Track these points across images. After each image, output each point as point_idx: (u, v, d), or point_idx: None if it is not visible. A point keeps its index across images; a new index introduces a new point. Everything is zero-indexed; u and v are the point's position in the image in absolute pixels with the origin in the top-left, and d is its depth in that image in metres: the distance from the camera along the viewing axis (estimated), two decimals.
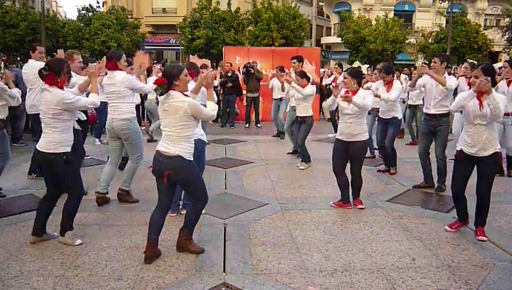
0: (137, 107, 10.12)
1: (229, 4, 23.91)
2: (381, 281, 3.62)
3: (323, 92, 13.72)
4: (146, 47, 30.03)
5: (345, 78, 5.44)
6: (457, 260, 4.03)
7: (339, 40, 28.25)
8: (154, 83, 3.96)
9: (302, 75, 7.53)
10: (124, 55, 5.61)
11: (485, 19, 32.65)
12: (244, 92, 13.35)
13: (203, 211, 5.00)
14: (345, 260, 4.00)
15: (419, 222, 5.03)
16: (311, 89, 7.42)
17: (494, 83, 4.40)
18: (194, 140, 4.05)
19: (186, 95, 3.90)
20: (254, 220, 4.99)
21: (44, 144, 4.13)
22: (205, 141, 5.08)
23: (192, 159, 3.93)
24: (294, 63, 8.37)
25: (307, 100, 7.45)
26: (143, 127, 11.41)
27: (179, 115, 3.78)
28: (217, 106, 4.04)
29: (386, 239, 4.51)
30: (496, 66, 16.42)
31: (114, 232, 4.60)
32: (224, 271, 3.77)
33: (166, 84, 3.83)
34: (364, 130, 5.38)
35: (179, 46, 27.46)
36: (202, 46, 22.97)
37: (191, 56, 25.49)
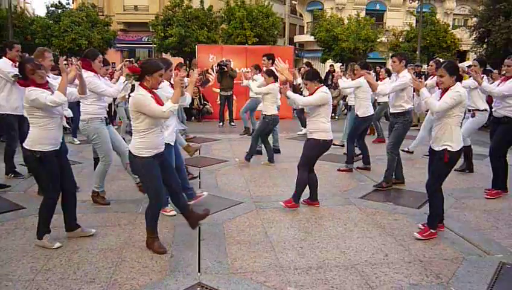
0: (109, 106, 10.01)
1: (201, 2, 23.77)
2: (355, 277, 3.66)
3: (297, 91, 13.79)
4: (118, 45, 29.57)
5: (305, 84, 5.45)
6: (429, 255, 4.11)
7: (312, 38, 28.42)
8: (127, 68, 3.95)
9: (270, 73, 7.55)
10: (101, 56, 5.48)
11: (454, 19, 33.38)
12: (217, 90, 13.31)
13: (173, 212, 5.01)
14: (320, 257, 4.03)
15: (392, 218, 5.11)
16: (267, 88, 7.44)
17: (459, 80, 4.52)
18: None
19: (151, 92, 3.89)
20: (229, 219, 4.98)
21: (26, 140, 4.09)
22: (171, 144, 4.97)
23: (144, 155, 3.91)
24: (264, 60, 8.39)
25: (266, 99, 7.49)
26: (116, 126, 11.26)
27: (131, 109, 3.88)
28: (175, 106, 3.96)
29: (360, 236, 4.56)
30: (464, 64, 16.81)
31: None
32: (199, 271, 3.75)
33: (138, 74, 3.86)
34: (320, 129, 5.25)
35: (151, 44, 27.16)
36: (175, 44, 22.77)
37: (163, 54, 25.24)
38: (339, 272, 3.75)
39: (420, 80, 4.82)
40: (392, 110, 6.34)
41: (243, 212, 5.24)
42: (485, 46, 21.79)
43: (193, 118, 14.25)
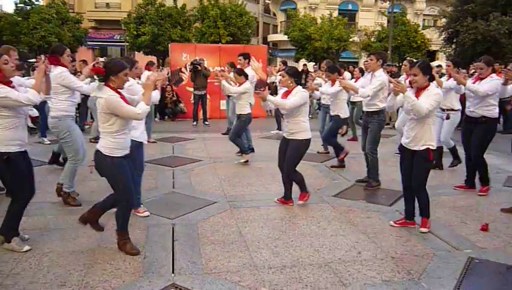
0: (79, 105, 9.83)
1: (175, 0, 23.59)
2: (328, 275, 3.70)
3: (270, 90, 13.84)
4: (89, 43, 29.09)
5: (282, 76, 5.44)
6: (400, 251, 4.19)
7: (285, 37, 28.57)
8: (91, 70, 3.90)
9: (240, 72, 7.56)
10: (68, 50, 5.36)
11: (424, 19, 34.02)
12: (191, 89, 13.23)
13: (146, 213, 4.96)
14: (294, 255, 4.06)
15: (365, 215, 5.18)
16: (243, 87, 7.45)
17: (432, 79, 4.61)
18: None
19: (118, 92, 3.85)
20: (203, 219, 4.96)
21: None
22: (140, 141, 4.91)
23: (115, 155, 3.88)
24: (240, 60, 8.40)
25: (241, 98, 7.49)
26: (87, 126, 11.09)
27: (99, 110, 3.83)
28: (147, 107, 3.95)
29: (333, 234, 4.61)
30: (434, 64, 17.14)
31: (57, 236, 4.42)
32: (173, 272, 3.72)
33: (103, 75, 3.82)
34: (302, 129, 5.29)
35: (123, 42, 26.82)
36: (148, 42, 22.55)
37: (136, 53, 24.95)
38: (313, 270, 3.78)
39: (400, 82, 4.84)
40: (366, 109, 6.38)
41: (217, 212, 5.22)
42: (453, 46, 22.32)
43: (166, 117, 14.14)
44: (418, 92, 4.51)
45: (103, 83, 3.85)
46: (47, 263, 3.82)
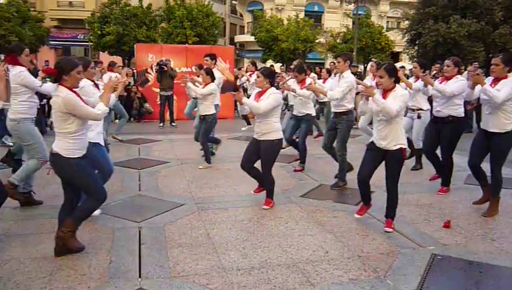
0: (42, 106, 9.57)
1: (140, 0, 23.26)
2: (297, 275, 3.72)
3: (238, 90, 13.84)
4: (51, 42, 28.36)
5: (258, 76, 5.48)
6: (367, 250, 4.25)
7: (252, 38, 28.64)
8: (42, 71, 3.82)
9: (209, 72, 7.52)
10: (27, 49, 5.19)
11: (387, 21, 34.76)
12: (157, 90, 13.09)
13: (98, 212, 4.84)
14: (262, 256, 4.06)
15: (331, 215, 5.24)
16: (209, 89, 7.42)
17: (397, 81, 4.71)
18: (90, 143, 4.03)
19: (74, 92, 3.77)
20: (170, 222, 4.91)
21: None
22: (95, 142, 4.82)
23: (75, 156, 3.81)
24: (207, 60, 8.35)
25: (206, 99, 7.46)
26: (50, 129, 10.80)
27: (55, 110, 3.74)
28: (106, 109, 3.90)
29: (301, 234, 4.64)
30: (397, 65, 17.45)
31: (18, 242, 4.28)
32: (139, 276, 3.66)
33: (54, 75, 3.74)
34: (273, 130, 5.33)
35: (87, 42, 26.24)
36: (112, 42, 22.17)
37: (101, 53, 24.49)
38: (281, 270, 3.79)
39: (371, 86, 4.90)
40: (334, 110, 6.44)
41: (185, 214, 5.17)
42: (416, 47, 22.87)
43: (132, 118, 13.92)
44: (384, 93, 4.60)
45: (56, 84, 3.76)
46: (7, 271, 3.69)
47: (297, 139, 7.61)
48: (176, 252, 4.12)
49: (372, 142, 4.80)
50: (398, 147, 4.60)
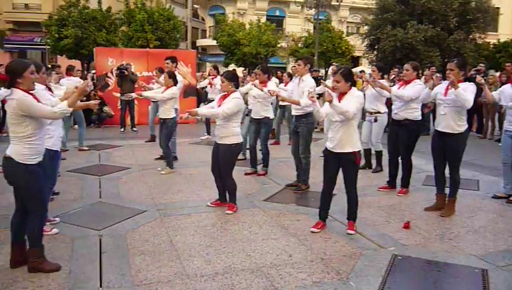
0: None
1: (99, 2, 22.77)
2: (261, 279, 3.72)
3: (201, 95, 13.76)
4: (7, 45, 27.39)
5: (222, 82, 5.47)
6: (329, 253, 4.30)
7: (214, 42, 28.55)
8: None
9: (171, 75, 7.45)
10: None
11: (347, 26, 35.40)
12: (118, 94, 12.84)
13: (55, 230, 4.62)
14: (226, 262, 4.04)
15: (294, 218, 5.27)
16: (169, 93, 7.34)
17: (354, 84, 4.81)
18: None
19: (30, 94, 3.65)
20: (132, 229, 4.81)
21: None
22: (55, 150, 4.69)
23: (30, 162, 3.66)
24: (168, 63, 8.24)
25: (167, 103, 7.39)
26: (5, 134, 10.42)
27: (10, 114, 3.60)
28: (68, 109, 3.75)
29: (265, 238, 4.64)
30: (357, 69, 17.86)
31: None
32: (100, 286, 3.57)
33: (7, 81, 3.61)
34: (231, 134, 5.34)
35: (44, 45, 25.47)
36: (71, 46, 21.58)
37: (58, 56, 23.83)
38: (245, 275, 3.78)
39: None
40: (294, 113, 6.50)
41: (147, 221, 5.09)
42: (375, 52, 23.38)
43: (92, 124, 13.61)
44: (340, 96, 4.67)
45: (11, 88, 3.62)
46: None
47: None
48: (138, 260, 4.04)
49: (326, 148, 4.84)
50: (351, 150, 4.64)
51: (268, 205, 5.78)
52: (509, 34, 34.56)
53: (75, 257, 4.06)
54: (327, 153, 4.83)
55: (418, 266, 4.11)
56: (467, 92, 5.13)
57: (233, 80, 5.43)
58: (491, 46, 28.75)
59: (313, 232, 4.81)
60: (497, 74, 19.12)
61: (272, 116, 7.51)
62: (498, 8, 29.70)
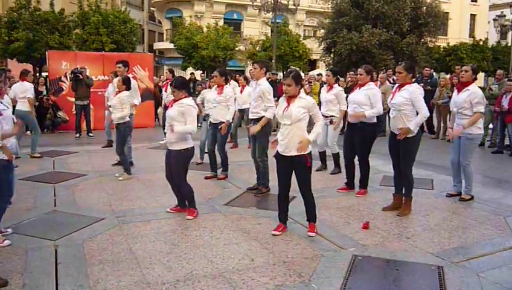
0: None
1: (51, 4, 22.08)
2: (223, 285, 3.68)
3: (159, 99, 13.58)
4: None
5: (173, 91, 5.32)
6: (291, 255, 4.32)
7: (171, 46, 28.28)
8: None
9: (125, 80, 7.31)
10: None
11: (304, 30, 35.92)
12: (72, 99, 12.51)
13: (7, 242, 4.43)
14: (187, 268, 3.98)
15: (256, 222, 5.27)
16: (117, 97, 7.22)
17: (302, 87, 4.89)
18: None
19: None
20: (89, 238, 4.67)
21: None
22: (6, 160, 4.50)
23: None
24: (119, 67, 8.02)
25: (117, 108, 7.24)
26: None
27: None
28: None
29: (226, 243, 4.61)
30: (315, 72, 18.10)
31: None
32: None
33: None
34: (182, 139, 5.27)
35: None
36: (22, 49, 20.81)
37: (9, 60, 22.92)
38: (207, 282, 3.74)
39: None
40: (251, 117, 6.53)
41: (105, 229, 4.95)
42: (332, 55, 23.82)
43: (46, 129, 13.16)
44: (289, 99, 4.72)
45: None
46: None
47: None
48: (97, 270, 3.93)
49: (277, 152, 4.81)
50: (302, 153, 4.65)
51: (229, 209, 5.76)
52: (457, 37, 36.12)
53: (29, 270, 3.90)
54: (279, 157, 4.81)
55: (377, 265, 4.20)
56: (417, 102, 5.36)
57: (183, 87, 5.31)
58: (442, 49, 29.91)
59: (274, 235, 4.81)
60: (448, 76, 19.88)
61: (230, 120, 7.48)
62: (447, 12, 30.89)
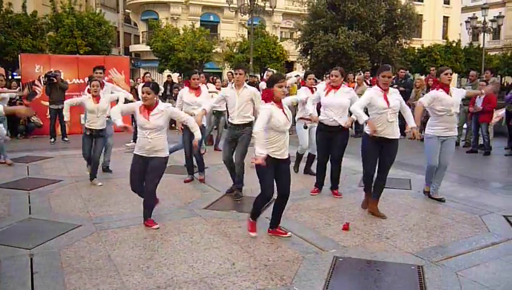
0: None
1: (23, 6, 21.62)
2: None
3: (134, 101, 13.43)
4: None
5: (148, 93, 5.04)
6: (272, 258, 4.30)
7: (148, 48, 28.01)
8: None
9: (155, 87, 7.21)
10: None
11: (281, 32, 35.99)
12: (47, 103, 12.26)
13: None
14: (168, 275, 3.92)
15: (236, 225, 5.23)
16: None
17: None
18: None
19: None
20: (66, 246, 4.56)
21: None
22: None
23: None
24: (100, 73, 7.86)
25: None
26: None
27: None
28: None
29: (207, 247, 4.57)
30: (292, 74, 18.18)
31: None
32: None
33: None
34: (165, 146, 5.18)
35: None
36: None
37: None
38: (189, 287, 3.69)
39: None
40: (237, 122, 6.36)
41: (82, 236, 4.85)
42: (309, 57, 23.93)
43: (19, 134, 12.86)
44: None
45: None
46: None
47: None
48: (74, 278, 3.83)
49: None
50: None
51: (209, 213, 5.71)
52: (431, 39, 36.78)
53: (4, 280, 3.78)
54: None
55: (358, 267, 4.21)
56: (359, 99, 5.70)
57: (156, 90, 5.15)
58: (416, 51, 30.39)
59: (251, 236, 4.82)
60: (423, 77, 20.22)
61: (205, 124, 7.43)
62: (421, 15, 31.47)
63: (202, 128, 7.25)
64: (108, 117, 6.78)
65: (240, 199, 6.34)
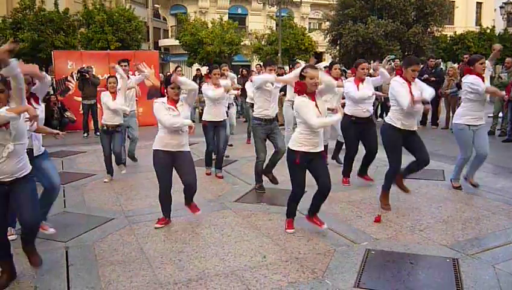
0: None
1: (56, 4, 22.09)
2: (236, 283, 3.65)
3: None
4: None
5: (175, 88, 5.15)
6: (303, 251, 4.27)
7: (176, 42, 28.21)
8: None
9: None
10: None
11: (309, 23, 35.67)
12: (79, 99, 12.52)
13: (14, 237, 4.40)
14: (199, 267, 3.95)
15: (267, 218, 5.22)
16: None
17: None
18: None
19: None
20: (100, 239, 4.65)
21: None
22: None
23: None
24: (126, 65, 7.89)
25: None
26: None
27: None
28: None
29: (238, 240, 4.57)
30: (321, 64, 17.89)
31: None
32: None
33: None
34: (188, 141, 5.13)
35: None
36: (27, 50, 20.86)
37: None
38: (220, 280, 3.71)
39: None
40: (274, 115, 6.27)
41: (115, 229, 4.93)
42: (338, 47, 23.61)
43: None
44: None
45: None
46: None
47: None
48: (108, 271, 3.90)
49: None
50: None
51: (239, 206, 5.72)
52: (464, 26, 35.71)
53: (40, 272, 3.88)
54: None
55: (391, 259, 4.13)
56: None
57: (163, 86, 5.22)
58: (448, 38, 29.55)
59: (287, 232, 4.76)
60: (456, 65, 19.65)
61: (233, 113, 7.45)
62: (453, 1, 30.57)
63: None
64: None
65: (262, 191, 6.32)
